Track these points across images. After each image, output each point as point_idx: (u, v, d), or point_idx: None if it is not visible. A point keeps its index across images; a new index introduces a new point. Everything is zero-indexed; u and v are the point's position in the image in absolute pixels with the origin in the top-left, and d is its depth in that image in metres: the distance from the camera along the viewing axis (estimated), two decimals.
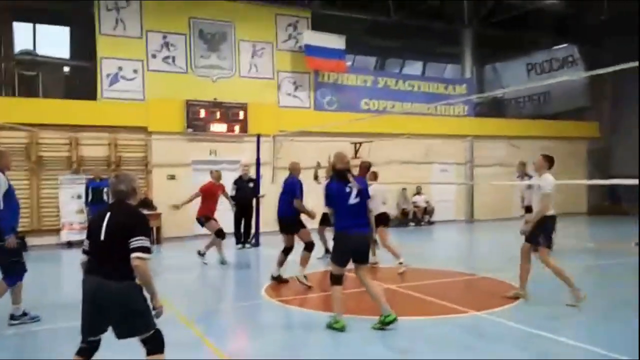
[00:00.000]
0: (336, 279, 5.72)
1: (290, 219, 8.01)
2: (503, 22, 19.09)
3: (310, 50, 16.43)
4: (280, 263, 8.08)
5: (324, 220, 9.94)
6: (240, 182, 12.44)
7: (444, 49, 21.16)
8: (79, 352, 3.79)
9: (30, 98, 14.42)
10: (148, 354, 3.72)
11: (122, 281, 3.61)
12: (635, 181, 8.68)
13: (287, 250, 8.07)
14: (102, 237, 3.68)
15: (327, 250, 10.35)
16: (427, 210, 17.49)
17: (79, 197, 13.13)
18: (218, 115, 14.97)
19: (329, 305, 6.05)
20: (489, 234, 12.37)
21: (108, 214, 3.76)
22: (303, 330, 6.01)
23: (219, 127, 15.00)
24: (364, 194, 5.82)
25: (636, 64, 6.49)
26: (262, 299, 7.38)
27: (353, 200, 5.74)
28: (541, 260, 6.62)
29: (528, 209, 9.50)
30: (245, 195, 12.39)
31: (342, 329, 5.59)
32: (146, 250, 3.61)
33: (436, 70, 22.51)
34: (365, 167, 9.39)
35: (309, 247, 7.93)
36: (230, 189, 12.01)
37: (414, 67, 22.44)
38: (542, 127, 19.77)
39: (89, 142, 13.87)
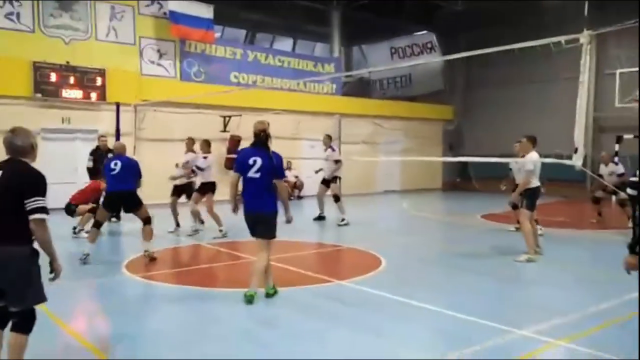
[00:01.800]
0: None
1: (133, 194, 7.62)
2: (370, 5, 19.74)
3: (175, 17, 15.60)
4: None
5: (176, 192, 10.22)
6: (97, 154, 11.43)
7: (313, 28, 21.38)
8: None
9: None
10: (14, 329, 3.40)
11: (17, 246, 3.29)
12: (480, 159, 9.63)
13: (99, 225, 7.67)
14: None
15: (178, 224, 10.28)
16: (297, 185, 17.71)
17: None
18: (72, 80, 13.65)
19: (185, 279, 5.84)
20: (355, 208, 12.91)
21: None
22: (167, 303, 5.75)
23: (73, 93, 13.68)
24: (265, 170, 5.49)
25: (484, 51, 7.09)
26: (123, 275, 6.95)
27: (252, 174, 5.50)
28: (519, 219, 7.95)
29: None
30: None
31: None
32: (44, 211, 3.31)
33: (306, 48, 22.71)
34: (236, 140, 9.22)
35: (149, 221, 7.66)
36: (86, 160, 11.12)
37: (285, 44, 22.43)
38: (403, 108, 20.91)
39: None
